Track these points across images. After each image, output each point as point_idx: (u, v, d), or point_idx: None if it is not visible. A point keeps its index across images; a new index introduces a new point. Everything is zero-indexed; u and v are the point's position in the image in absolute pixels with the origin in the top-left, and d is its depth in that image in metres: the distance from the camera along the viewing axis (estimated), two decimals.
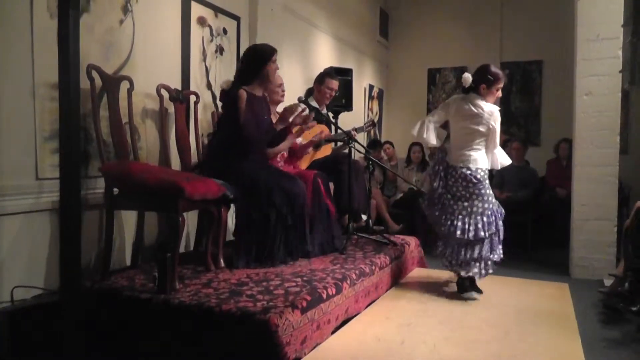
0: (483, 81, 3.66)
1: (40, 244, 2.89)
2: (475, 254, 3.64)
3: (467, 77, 3.70)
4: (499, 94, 3.73)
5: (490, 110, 3.62)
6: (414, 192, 6.08)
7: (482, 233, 3.61)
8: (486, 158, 3.71)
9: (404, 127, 8.57)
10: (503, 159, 3.79)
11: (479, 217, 3.63)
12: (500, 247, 3.70)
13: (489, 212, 3.64)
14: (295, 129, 3.95)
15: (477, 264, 3.67)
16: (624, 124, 5.33)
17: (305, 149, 4.27)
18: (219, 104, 3.82)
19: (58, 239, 2.65)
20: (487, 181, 3.69)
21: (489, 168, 3.73)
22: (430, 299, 3.68)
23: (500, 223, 3.69)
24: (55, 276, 2.85)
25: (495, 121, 3.63)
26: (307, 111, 3.75)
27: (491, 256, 3.65)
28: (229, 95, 3.47)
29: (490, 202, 3.66)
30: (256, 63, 3.50)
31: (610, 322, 3.42)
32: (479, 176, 3.62)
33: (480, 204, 3.64)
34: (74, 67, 2.45)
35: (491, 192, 3.71)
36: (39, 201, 2.86)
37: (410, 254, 4.46)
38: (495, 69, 3.70)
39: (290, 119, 3.66)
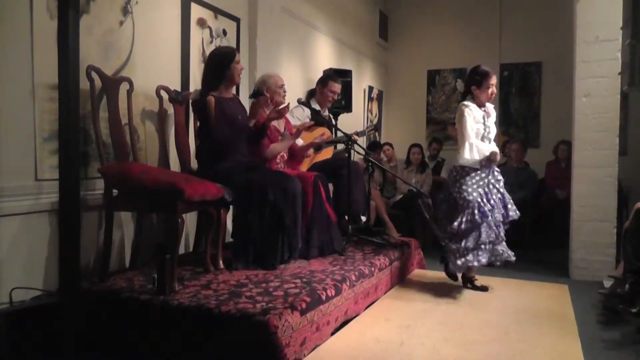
0: (472, 82, 3.73)
1: (40, 245, 2.89)
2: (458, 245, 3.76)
3: (462, 84, 3.79)
4: (493, 90, 3.74)
5: (491, 106, 3.77)
6: (414, 194, 6.08)
7: (455, 227, 3.71)
8: (468, 157, 3.70)
9: (403, 128, 8.66)
10: (469, 155, 3.69)
11: (458, 214, 3.75)
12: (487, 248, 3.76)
13: (467, 210, 3.69)
14: (294, 130, 3.96)
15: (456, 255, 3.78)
16: (623, 125, 5.34)
17: (305, 150, 4.27)
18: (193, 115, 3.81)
19: (57, 240, 2.66)
20: (468, 179, 3.71)
21: (470, 166, 3.74)
22: (429, 301, 3.69)
23: (479, 220, 3.67)
24: (54, 277, 2.85)
25: (459, 116, 3.72)
26: (282, 105, 3.73)
27: (469, 256, 3.73)
28: (198, 104, 3.49)
29: (465, 200, 3.68)
30: (219, 67, 3.50)
31: (609, 323, 3.42)
32: (455, 173, 3.77)
33: (461, 201, 3.72)
34: (74, 68, 2.45)
35: (472, 190, 3.69)
36: (38, 202, 2.86)
37: (409, 255, 4.46)
38: (483, 67, 3.75)
39: (266, 113, 3.65)
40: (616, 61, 4.58)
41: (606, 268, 4.47)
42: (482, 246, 3.72)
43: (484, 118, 3.74)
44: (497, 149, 3.76)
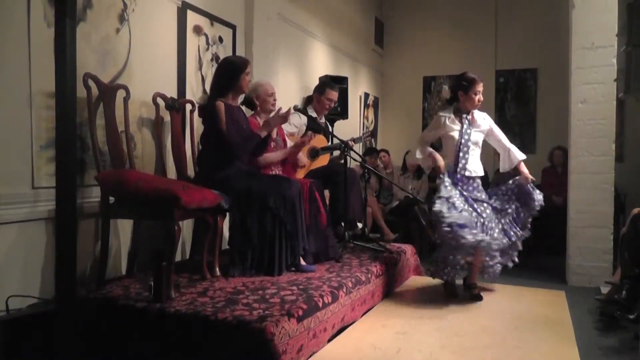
0: (459, 88, 3.73)
1: (36, 253, 2.88)
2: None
3: (446, 89, 3.79)
4: (479, 97, 3.75)
5: (481, 115, 3.82)
6: (410, 200, 6.08)
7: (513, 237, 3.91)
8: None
9: (399, 135, 8.66)
10: (519, 153, 3.97)
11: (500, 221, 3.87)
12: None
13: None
14: (286, 136, 3.97)
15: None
16: (619, 131, 5.35)
17: (296, 153, 4.23)
18: (199, 119, 3.82)
19: (54, 248, 2.65)
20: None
21: (511, 166, 3.98)
22: (426, 307, 3.68)
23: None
24: (50, 285, 2.83)
25: (490, 121, 3.87)
26: (283, 110, 3.74)
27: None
28: (207, 109, 3.49)
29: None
30: (230, 76, 3.51)
31: (607, 329, 3.42)
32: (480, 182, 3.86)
33: (488, 210, 3.81)
34: (71, 75, 2.45)
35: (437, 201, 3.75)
36: (34, 210, 2.85)
37: (406, 261, 4.46)
38: (470, 74, 3.74)
39: (271, 123, 3.66)
40: (612, 67, 4.61)
41: (603, 274, 4.48)
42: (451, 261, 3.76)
43: (464, 126, 3.75)
44: (436, 161, 3.79)
